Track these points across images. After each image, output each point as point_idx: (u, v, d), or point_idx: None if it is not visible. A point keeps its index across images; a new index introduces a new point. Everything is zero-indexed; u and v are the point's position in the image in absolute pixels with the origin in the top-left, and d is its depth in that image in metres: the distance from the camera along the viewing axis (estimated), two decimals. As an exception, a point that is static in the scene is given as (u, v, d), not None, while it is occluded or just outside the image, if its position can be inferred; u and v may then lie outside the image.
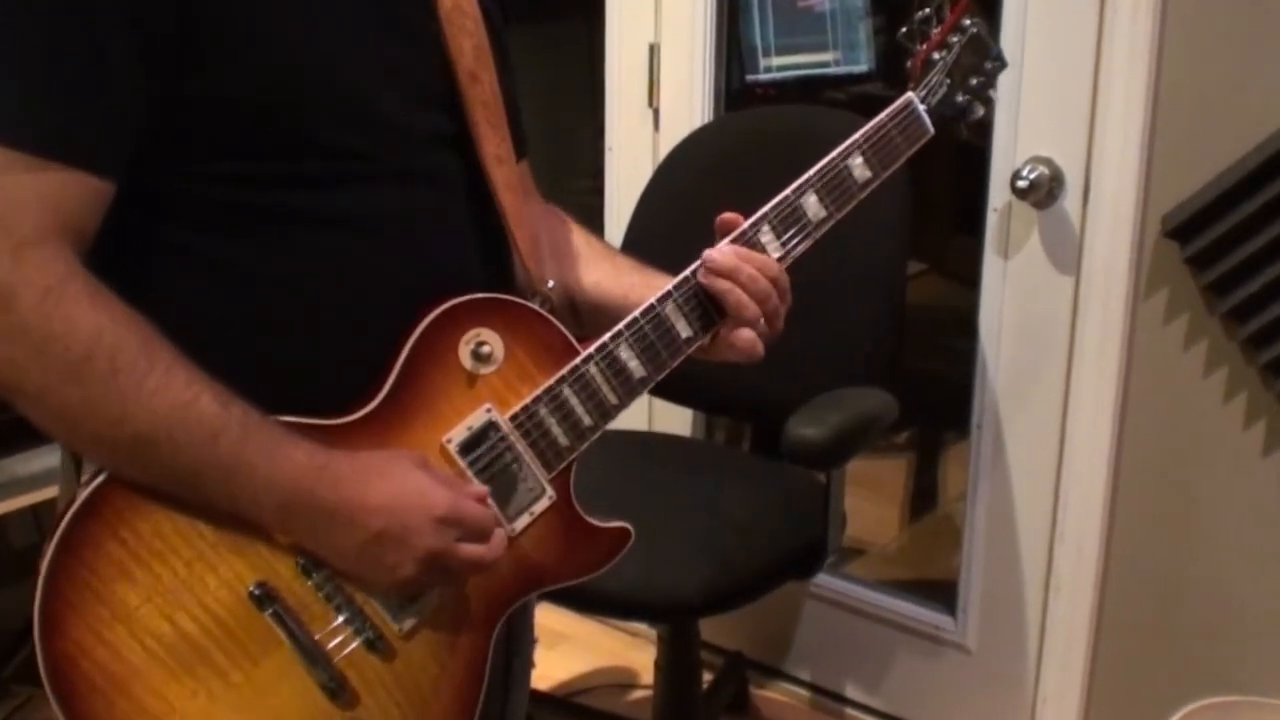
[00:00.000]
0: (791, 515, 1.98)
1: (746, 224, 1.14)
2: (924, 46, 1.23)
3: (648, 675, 2.29)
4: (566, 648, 2.53)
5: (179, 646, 0.97)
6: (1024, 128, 1.99)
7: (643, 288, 1.17)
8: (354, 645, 1.03)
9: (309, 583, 1.01)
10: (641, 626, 2.53)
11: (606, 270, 1.23)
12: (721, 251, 1.12)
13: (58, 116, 0.92)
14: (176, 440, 0.93)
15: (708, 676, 2.29)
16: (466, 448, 1.05)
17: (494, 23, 1.15)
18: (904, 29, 1.24)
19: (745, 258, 1.12)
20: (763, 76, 2.42)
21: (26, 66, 0.91)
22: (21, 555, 2.42)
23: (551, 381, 1.08)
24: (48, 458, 2.11)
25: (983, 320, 2.12)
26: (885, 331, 2.02)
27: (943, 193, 2.82)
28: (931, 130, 1.23)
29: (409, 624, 1.04)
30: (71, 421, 0.93)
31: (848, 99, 2.47)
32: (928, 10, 1.23)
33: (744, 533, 1.91)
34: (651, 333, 1.11)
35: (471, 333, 1.06)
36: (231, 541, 0.98)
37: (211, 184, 0.98)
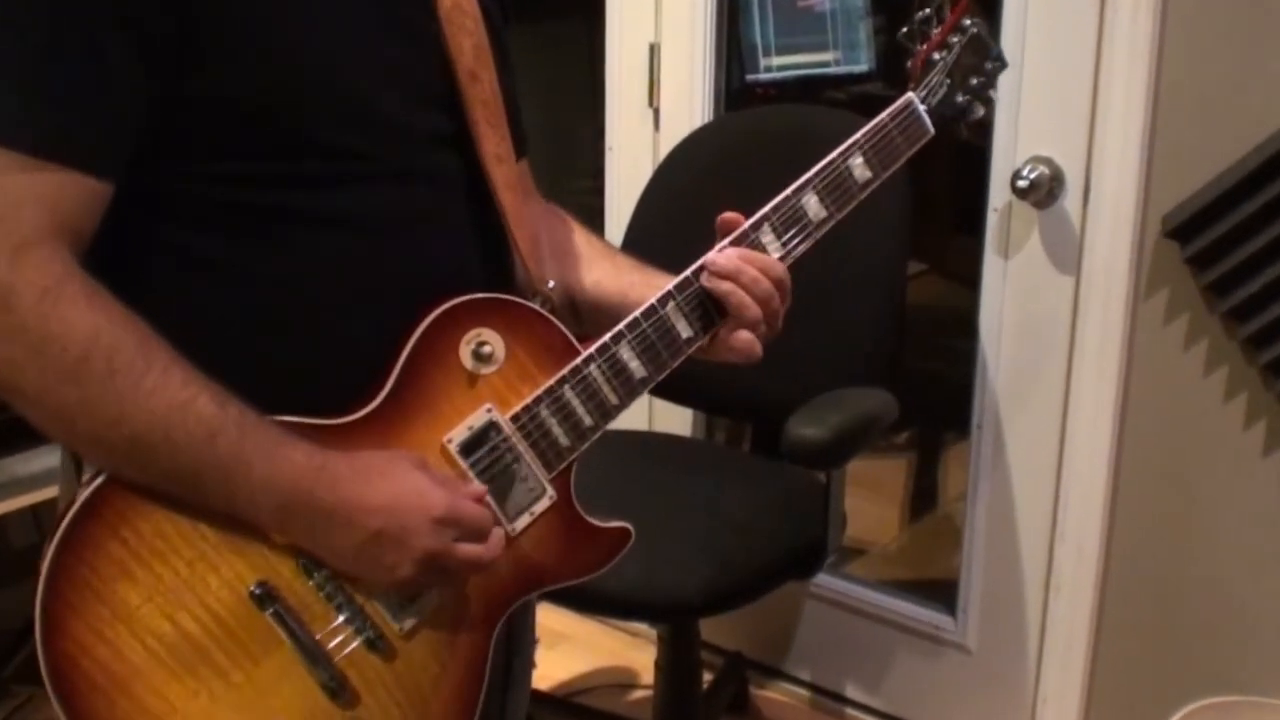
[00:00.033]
0: (792, 515, 1.98)
1: (747, 224, 1.14)
2: (924, 47, 1.23)
3: (648, 675, 2.29)
4: (567, 648, 2.54)
5: (180, 646, 0.97)
6: (1024, 127, 1.99)
7: (643, 286, 1.17)
8: (354, 645, 1.03)
9: (310, 582, 1.01)
10: (642, 626, 2.53)
11: (607, 269, 1.23)
12: (725, 254, 1.12)
13: (56, 117, 0.92)
14: (174, 440, 0.93)
15: (708, 676, 2.29)
16: (467, 448, 1.05)
17: (494, 22, 1.15)
18: (904, 29, 1.24)
19: (748, 259, 1.12)
20: (763, 76, 2.42)
21: (25, 67, 0.91)
22: (21, 555, 2.42)
23: (552, 382, 1.08)
24: (48, 458, 2.11)
25: (983, 320, 2.12)
26: (885, 331, 2.02)
27: (943, 192, 2.82)
28: (932, 130, 1.23)
29: (409, 624, 1.04)
30: (69, 422, 0.93)
31: (848, 99, 2.47)
32: (928, 10, 1.23)
33: (744, 533, 1.91)
34: (652, 333, 1.11)
35: (472, 333, 1.06)
36: (232, 541, 0.98)
37: (211, 184, 0.98)
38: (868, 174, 1.18)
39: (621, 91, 2.49)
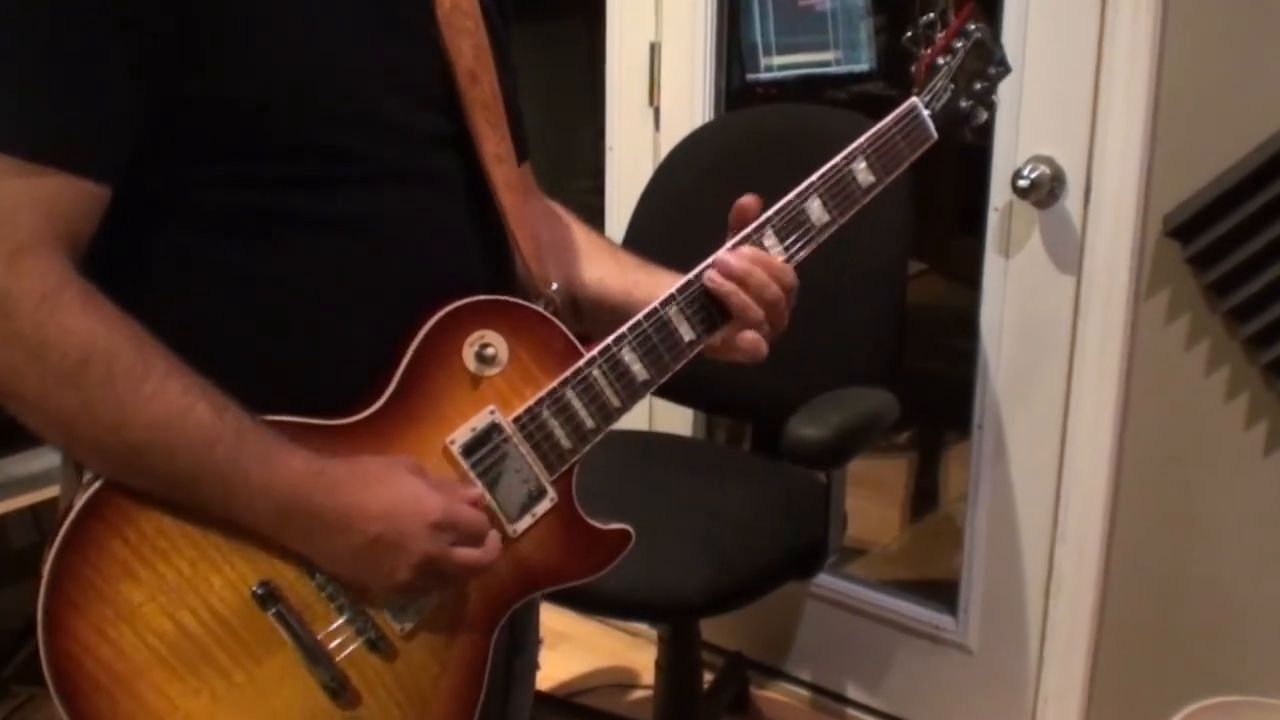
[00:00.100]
0: (792, 515, 1.98)
1: (750, 228, 1.14)
2: (928, 51, 1.23)
3: (648, 675, 2.29)
4: (567, 648, 2.53)
5: (182, 645, 0.97)
6: (1025, 127, 1.99)
7: (648, 285, 1.17)
8: (356, 645, 1.03)
9: (312, 583, 1.01)
10: (642, 626, 2.53)
11: (610, 267, 1.23)
12: (736, 254, 1.12)
13: (54, 120, 0.92)
14: (172, 447, 0.93)
15: (708, 677, 2.29)
16: (469, 449, 1.05)
17: (494, 24, 1.15)
18: (908, 33, 1.24)
19: (758, 261, 1.12)
20: (763, 76, 2.42)
21: (22, 69, 0.91)
22: (21, 555, 2.42)
23: (555, 384, 1.08)
24: (48, 458, 2.10)
25: (984, 320, 2.12)
26: (886, 331, 2.02)
27: (944, 192, 2.81)
28: (935, 135, 1.23)
29: (410, 624, 1.05)
30: (68, 427, 0.93)
31: (849, 98, 2.46)
32: (932, 15, 1.23)
33: (745, 533, 1.91)
34: (654, 335, 1.11)
35: (476, 334, 1.06)
36: (235, 541, 0.98)
37: (211, 185, 0.98)
38: (871, 178, 1.18)
39: (622, 91, 2.49)
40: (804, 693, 2.46)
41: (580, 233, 1.27)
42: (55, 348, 0.90)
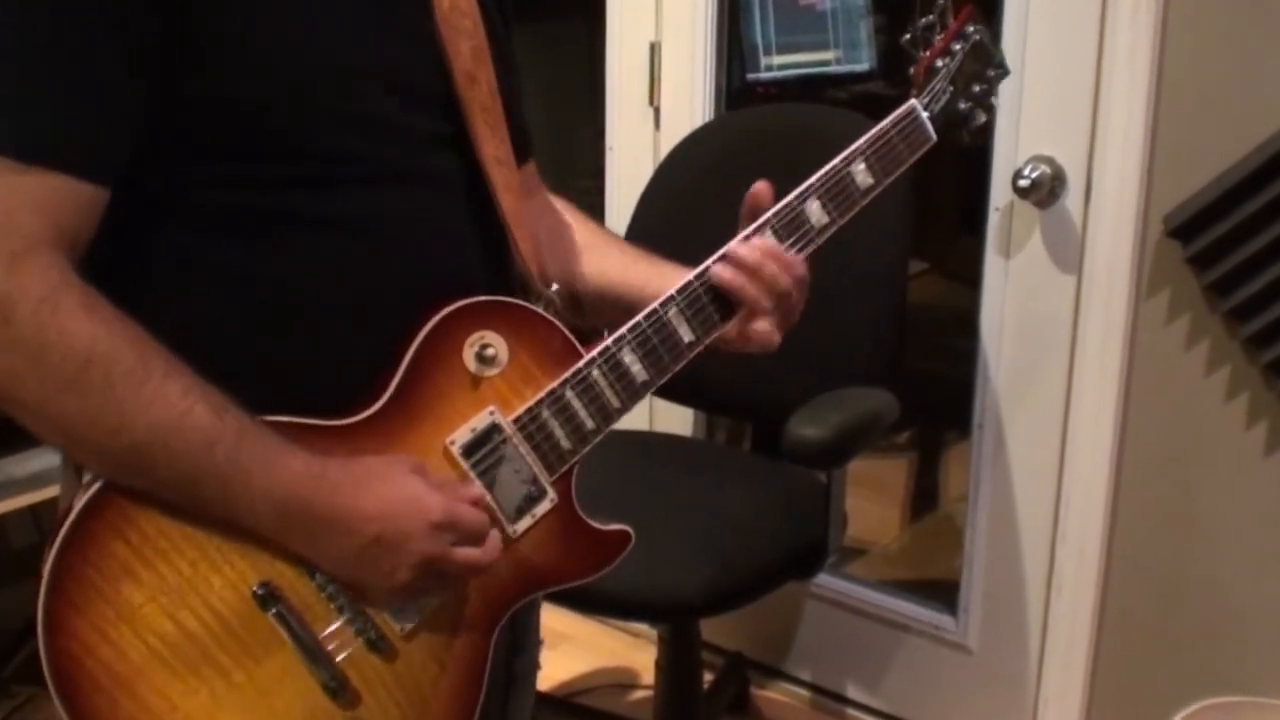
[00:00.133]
0: (792, 515, 1.98)
1: (750, 229, 1.14)
2: (927, 53, 1.23)
3: (648, 675, 2.29)
4: (567, 648, 2.53)
5: (182, 645, 0.97)
6: (1026, 127, 1.99)
7: (656, 278, 1.18)
8: (355, 645, 1.03)
9: (312, 583, 1.01)
10: (642, 627, 2.53)
11: (618, 261, 1.23)
12: (747, 246, 1.13)
13: (51, 123, 0.91)
14: (172, 449, 0.93)
15: (708, 677, 2.29)
16: (469, 449, 1.05)
17: (494, 24, 1.15)
18: (907, 35, 1.24)
19: (768, 253, 1.12)
20: (763, 75, 2.42)
21: (20, 72, 0.91)
22: (21, 555, 2.42)
23: (555, 384, 1.08)
24: (48, 458, 2.10)
25: (984, 320, 2.12)
26: (886, 331, 2.02)
27: (944, 192, 2.82)
28: (934, 137, 1.23)
29: (410, 624, 1.04)
30: (69, 431, 0.93)
31: (849, 98, 2.46)
32: (931, 17, 1.23)
33: (745, 533, 1.91)
34: (654, 337, 1.11)
35: (476, 335, 1.06)
36: (236, 541, 0.98)
37: (211, 186, 0.98)
38: (870, 180, 1.18)
39: (622, 91, 2.49)
40: (804, 693, 2.46)
41: (587, 228, 1.28)
42: (55, 351, 0.90)
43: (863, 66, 2.41)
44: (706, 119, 2.38)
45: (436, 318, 1.04)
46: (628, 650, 2.57)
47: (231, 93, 0.95)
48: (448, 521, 1.00)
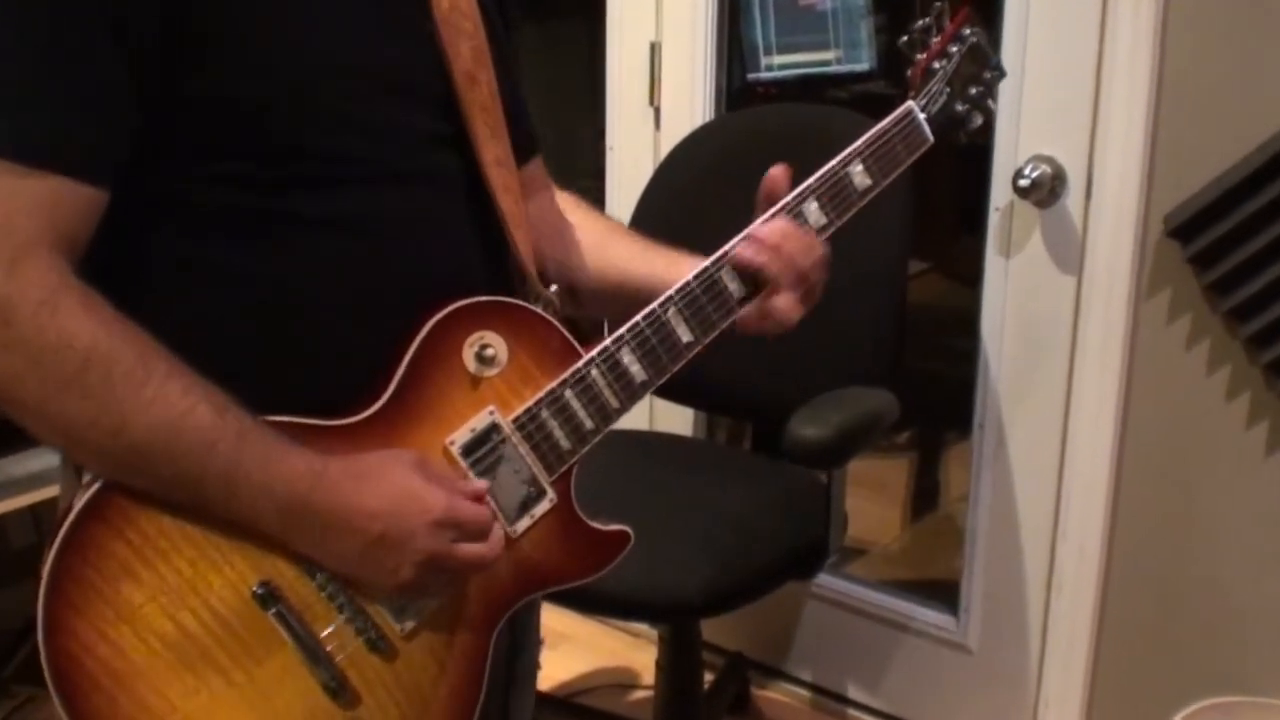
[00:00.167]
0: (793, 515, 1.98)
1: (747, 231, 1.15)
2: (924, 55, 1.24)
3: (649, 675, 2.29)
4: (568, 648, 2.53)
5: (182, 645, 0.97)
6: (1026, 126, 1.99)
7: (674, 268, 1.18)
8: (355, 645, 1.03)
9: (312, 583, 1.01)
10: (643, 627, 2.53)
11: (631, 251, 1.24)
12: (768, 227, 1.14)
13: (50, 124, 0.91)
14: (173, 450, 0.93)
15: (709, 677, 2.29)
16: (469, 449, 1.05)
17: (494, 25, 1.15)
18: (904, 38, 1.25)
19: (788, 234, 1.14)
20: (764, 75, 2.42)
21: (17, 74, 0.91)
22: (21, 555, 2.42)
23: (554, 385, 1.08)
24: (47, 457, 2.10)
25: (984, 320, 2.12)
26: (887, 331, 2.02)
27: (944, 192, 2.81)
28: (931, 139, 1.24)
29: (410, 624, 1.04)
30: (69, 432, 0.93)
31: (849, 98, 2.46)
32: (928, 20, 1.24)
33: (745, 533, 1.91)
34: (653, 337, 1.11)
35: (475, 335, 1.06)
36: (235, 541, 0.98)
37: (210, 187, 0.98)
38: (867, 181, 1.19)
39: (622, 91, 2.49)
40: (804, 693, 2.46)
41: (599, 223, 1.29)
42: (55, 352, 0.90)
43: (863, 66, 2.41)
44: (707, 119, 2.38)
45: (436, 318, 1.04)
46: (628, 650, 2.57)
47: (231, 93, 0.95)
48: (450, 519, 1.00)
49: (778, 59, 2.41)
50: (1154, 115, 1.86)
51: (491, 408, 1.06)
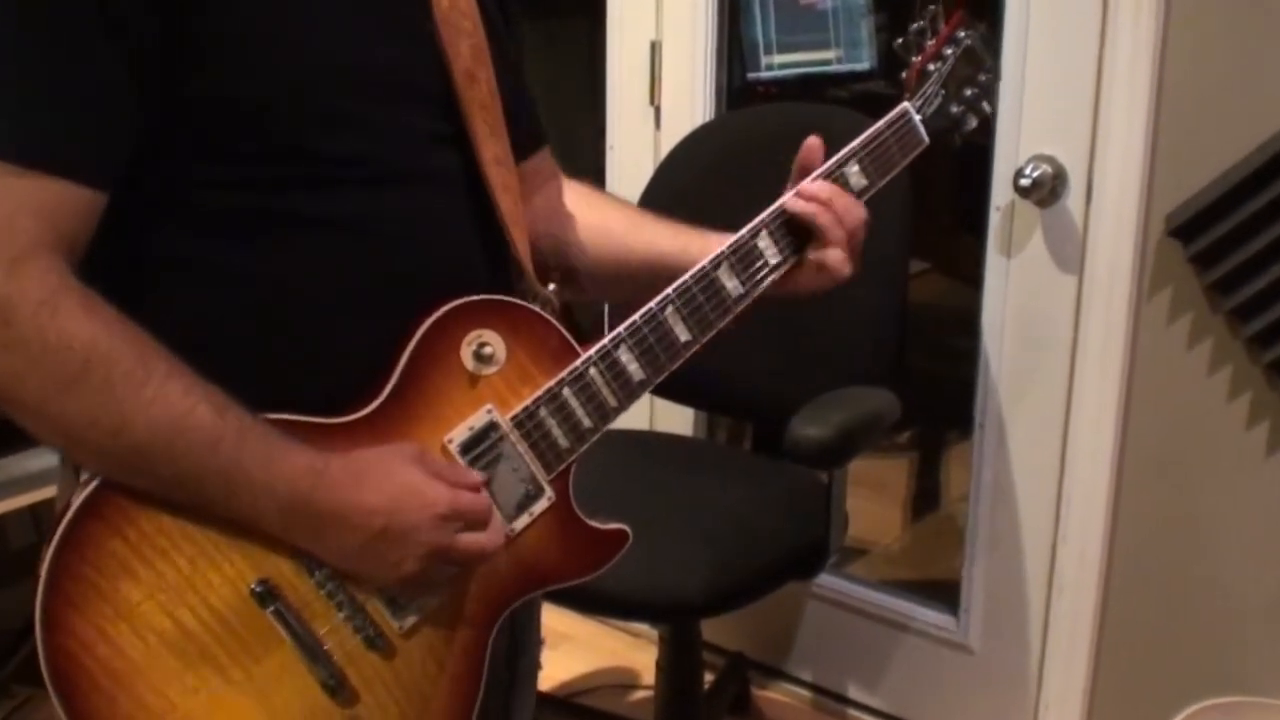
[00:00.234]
0: (793, 515, 1.97)
1: (744, 230, 1.15)
2: (919, 58, 1.25)
3: (649, 675, 2.28)
4: (568, 648, 2.53)
5: (181, 643, 0.97)
6: (1027, 126, 1.99)
7: (706, 240, 1.20)
8: (354, 643, 1.03)
9: (311, 580, 1.01)
10: (643, 627, 2.53)
11: (659, 231, 1.25)
12: (818, 184, 1.16)
13: (49, 127, 0.92)
14: (174, 449, 0.93)
15: (709, 677, 2.29)
16: (467, 447, 1.06)
17: (494, 23, 1.15)
18: (900, 40, 1.27)
19: (836, 192, 1.16)
20: (764, 74, 2.42)
21: (17, 75, 0.91)
22: (20, 555, 2.42)
23: (552, 383, 1.08)
24: (46, 457, 2.10)
25: (985, 319, 2.12)
26: (887, 331, 2.02)
27: (945, 191, 2.81)
28: (926, 140, 1.25)
29: (409, 622, 1.05)
30: (70, 432, 0.93)
31: (850, 97, 2.46)
32: (922, 22, 1.25)
33: (746, 533, 1.91)
34: (650, 336, 1.11)
35: (474, 334, 1.06)
36: (234, 538, 0.99)
37: (211, 186, 0.98)
38: (864, 182, 1.20)
39: (622, 90, 2.49)
40: (805, 693, 2.46)
41: (619, 210, 1.30)
42: (56, 353, 0.90)
43: (863, 66, 2.41)
44: (707, 118, 2.38)
45: (434, 316, 1.04)
46: (628, 650, 2.56)
47: (231, 93, 0.95)
48: (452, 511, 1.00)
49: (778, 58, 2.41)
50: (1155, 115, 1.86)
51: (489, 406, 1.06)
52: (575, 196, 1.30)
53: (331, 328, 1.04)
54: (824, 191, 1.16)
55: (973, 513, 2.20)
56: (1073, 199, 1.97)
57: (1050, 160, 1.96)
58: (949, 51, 1.26)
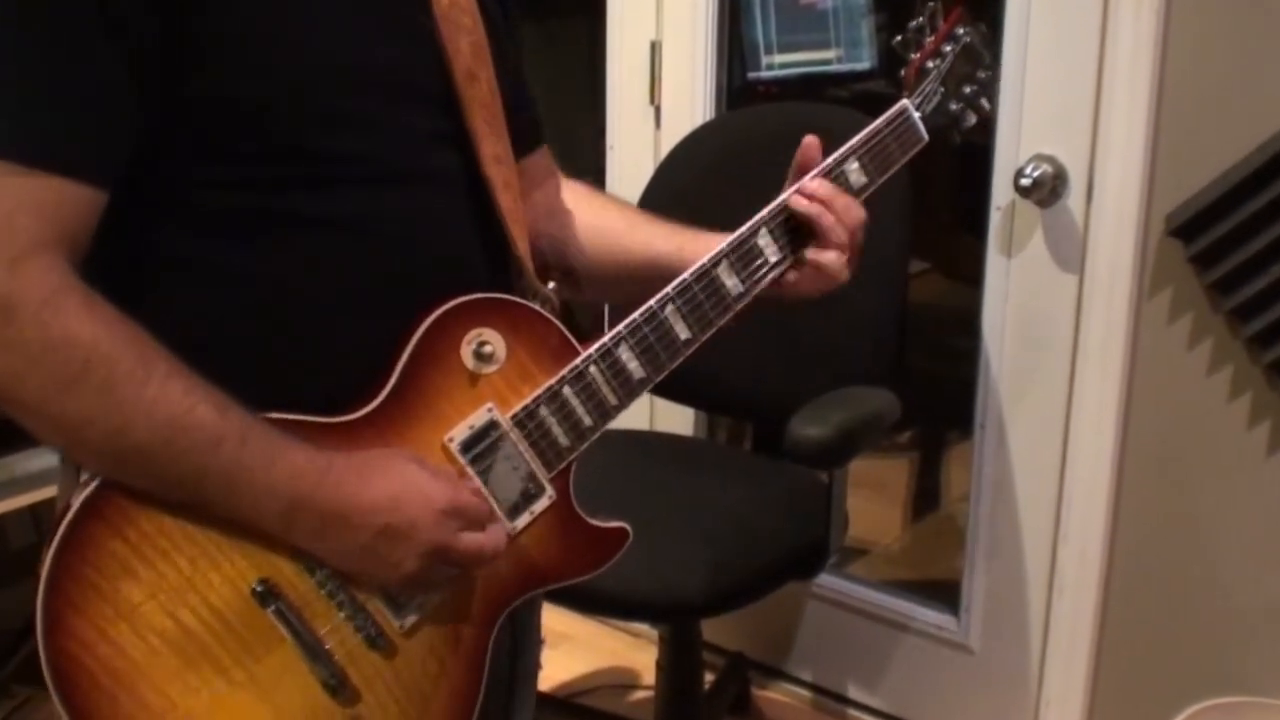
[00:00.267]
0: (794, 515, 1.97)
1: (744, 228, 1.15)
2: (918, 55, 1.25)
3: (649, 676, 2.28)
4: (568, 648, 2.53)
5: (182, 643, 0.97)
6: (1027, 125, 1.99)
7: (703, 240, 1.19)
8: (355, 642, 1.03)
9: (311, 580, 1.01)
10: (643, 627, 2.53)
11: (651, 231, 1.25)
12: (817, 182, 1.16)
13: (51, 125, 0.91)
14: (176, 449, 0.93)
15: (709, 677, 2.29)
16: (467, 446, 1.06)
17: (493, 21, 1.14)
18: (899, 37, 1.27)
19: (835, 192, 1.16)
20: (764, 74, 2.41)
21: (18, 75, 0.91)
22: (20, 555, 2.42)
23: (552, 381, 1.08)
24: (47, 457, 2.10)
25: (986, 319, 2.12)
26: (887, 331, 2.02)
27: (945, 191, 2.81)
28: (925, 137, 1.25)
29: (409, 621, 1.05)
30: (70, 432, 0.93)
31: (850, 96, 2.46)
32: (920, 20, 1.25)
33: (746, 533, 1.91)
34: (651, 334, 1.11)
35: (474, 332, 1.06)
36: (235, 538, 0.98)
37: (210, 186, 0.98)
38: (863, 179, 1.20)
39: (622, 89, 2.49)
40: (805, 693, 2.46)
41: (620, 207, 1.30)
42: (57, 353, 0.90)
43: (864, 65, 2.41)
44: (707, 118, 2.38)
45: (434, 315, 1.04)
46: (628, 650, 2.56)
47: (231, 93, 0.95)
48: (454, 508, 1.00)
49: (778, 58, 2.41)
50: (1155, 115, 1.86)
51: (490, 405, 1.06)
52: (573, 196, 1.30)
53: (331, 327, 1.03)
54: (824, 190, 1.16)
55: (973, 513, 2.19)
56: (1073, 199, 1.97)
57: (1051, 160, 1.96)
58: (948, 48, 1.25)
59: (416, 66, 1.06)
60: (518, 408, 1.07)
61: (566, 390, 1.08)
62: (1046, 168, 1.95)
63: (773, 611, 2.37)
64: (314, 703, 1.01)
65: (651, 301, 1.12)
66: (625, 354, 1.10)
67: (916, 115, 1.23)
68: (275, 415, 0.98)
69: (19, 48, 0.90)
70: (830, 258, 1.16)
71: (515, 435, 1.07)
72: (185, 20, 0.92)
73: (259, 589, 0.99)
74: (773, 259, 1.16)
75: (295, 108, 0.97)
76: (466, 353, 1.06)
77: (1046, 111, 1.97)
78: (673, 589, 1.80)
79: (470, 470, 1.05)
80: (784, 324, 1.88)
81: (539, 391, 1.08)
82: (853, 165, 1.19)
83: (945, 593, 2.32)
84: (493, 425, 1.06)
